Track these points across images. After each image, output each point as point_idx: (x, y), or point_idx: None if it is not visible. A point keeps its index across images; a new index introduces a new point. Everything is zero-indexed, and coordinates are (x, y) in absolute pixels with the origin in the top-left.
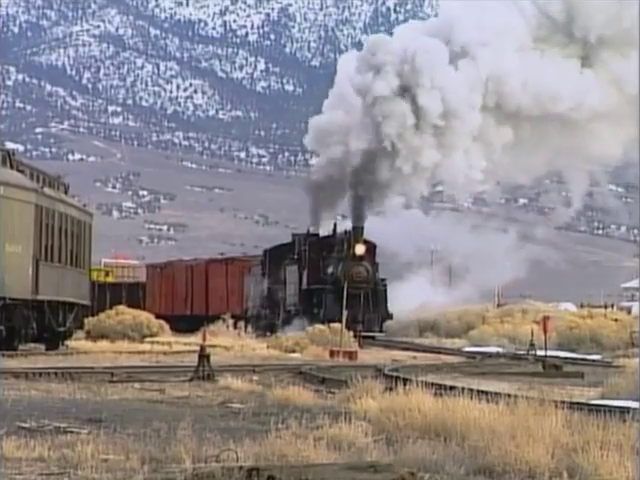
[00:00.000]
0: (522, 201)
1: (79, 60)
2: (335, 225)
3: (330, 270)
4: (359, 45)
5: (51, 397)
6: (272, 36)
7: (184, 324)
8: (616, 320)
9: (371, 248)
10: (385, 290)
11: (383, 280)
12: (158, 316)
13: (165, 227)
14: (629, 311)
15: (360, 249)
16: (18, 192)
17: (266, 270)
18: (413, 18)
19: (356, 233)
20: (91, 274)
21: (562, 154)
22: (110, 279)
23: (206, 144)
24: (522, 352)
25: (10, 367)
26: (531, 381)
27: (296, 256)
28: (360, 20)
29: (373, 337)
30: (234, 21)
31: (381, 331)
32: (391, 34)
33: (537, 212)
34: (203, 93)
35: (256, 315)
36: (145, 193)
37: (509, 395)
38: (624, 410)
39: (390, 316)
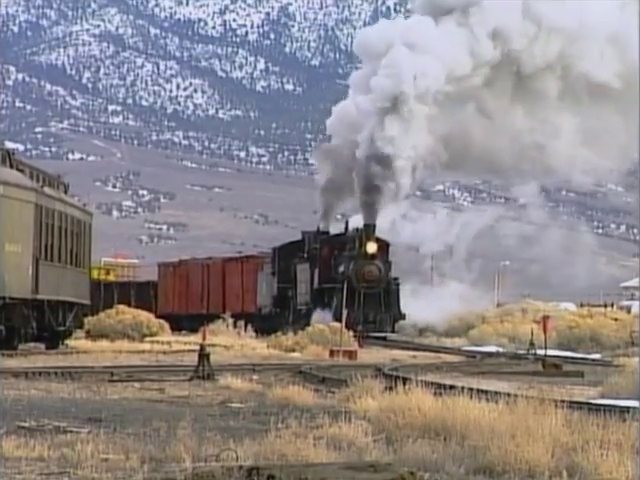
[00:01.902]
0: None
1: (79, 59)
2: (347, 223)
3: (341, 269)
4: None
5: (51, 396)
6: (272, 35)
7: (199, 323)
8: (616, 319)
9: (384, 246)
10: (397, 290)
11: (396, 279)
12: (172, 315)
13: (165, 226)
14: (629, 310)
15: (372, 247)
16: (18, 191)
17: (276, 269)
18: None
19: (367, 231)
20: (91, 273)
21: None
22: (111, 277)
23: (206, 143)
24: (522, 351)
25: (10, 366)
26: (531, 380)
27: (306, 254)
28: (360, 19)
29: (385, 338)
30: (234, 20)
31: (393, 331)
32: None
33: None
34: (203, 92)
35: (267, 314)
36: (145, 192)
37: (509, 394)
38: (624, 409)
39: (403, 316)
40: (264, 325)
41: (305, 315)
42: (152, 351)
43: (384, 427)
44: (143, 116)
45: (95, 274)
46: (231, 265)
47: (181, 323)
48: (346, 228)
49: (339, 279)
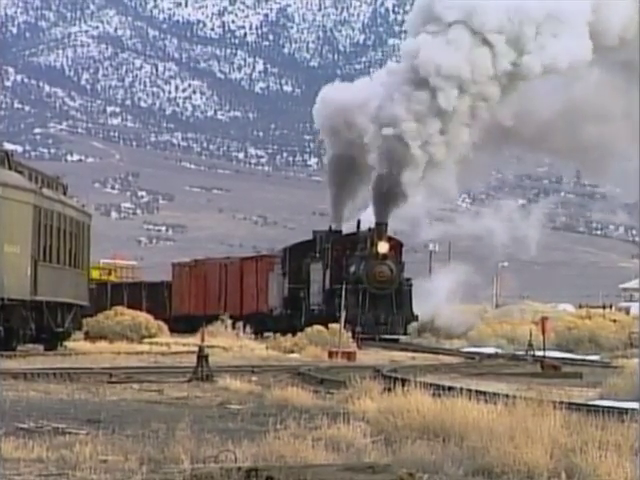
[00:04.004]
0: None
1: (78, 61)
2: (359, 221)
3: (352, 269)
4: (357, 46)
5: (50, 398)
6: (271, 37)
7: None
8: (615, 321)
9: (396, 246)
10: (410, 291)
11: (408, 280)
12: (188, 316)
13: (164, 228)
14: (628, 311)
15: (383, 247)
16: (17, 193)
17: (287, 269)
18: None
19: (379, 230)
20: (92, 273)
21: None
22: (113, 278)
23: (205, 145)
24: (521, 353)
25: (9, 368)
26: (530, 382)
27: (318, 254)
28: (359, 21)
29: (397, 340)
30: (233, 22)
31: (405, 333)
32: (391, 34)
33: None
34: (202, 94)
35: (278, 315)
36: (144, 194)
37: (507, 396)
38: (623, 410)
39: (415, 318)
40: (277, 326)
41: (318, 316)
42: (151, 352)
43: (383, 428)
44: (142, 117)
45: (97, 274)
46: (248, 265)
47: (197, 324)
48: (358, 227)
49: (350, 279)
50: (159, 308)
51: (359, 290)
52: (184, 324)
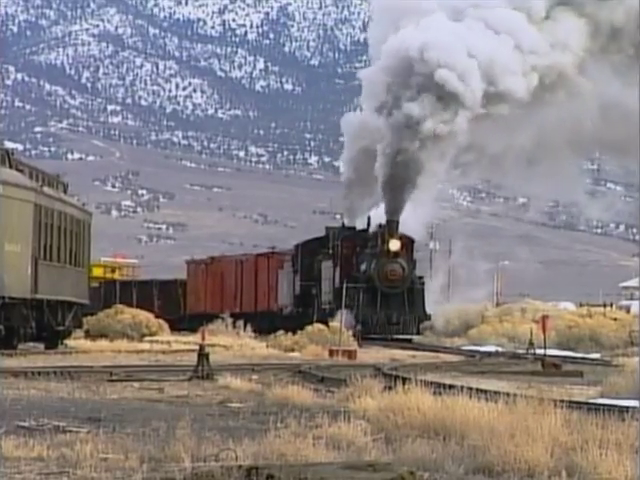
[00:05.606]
0: None
1: (78, 59)
2: (369, 218)
3: (363, 267)
4: (358, 44)
5: (50, 396)
6: (271, 35)
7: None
8: (615, 319)
9: (408, 243)
10: (422, 289)
11: (421, 278)
12: (205, 315)
13: (164, 226)
14: (628, 310)
15: (395, 245)
16: (17, 191)
17: (298, 266)
18: None
19: (390, 227)
20: (97, 271)
21: None
22: (117, 276)
23: (205, 143)
24: (521, 351)
25: (9, 366)
26: (530, 380)
27: (331, 251)
28: (359, 19)
29: (410, 340)
30: (233, 20)
31: (418, 333)
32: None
33: None
34: (202, 92)
35: (289, 313)
36: (144, 192)
37: (508, 394)
38: (623, 409)
39: (428, 317)
40: (288, 324)
41: (329, 314)
42: (151, 351)
43: (383, 427)
44: (142, 116)
45: (101, 272)
46: (262, 262)
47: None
48: (368, 224)
49: (361, 278)
50: (172, 307)
51: (370, 289)
52: (200, 322)
